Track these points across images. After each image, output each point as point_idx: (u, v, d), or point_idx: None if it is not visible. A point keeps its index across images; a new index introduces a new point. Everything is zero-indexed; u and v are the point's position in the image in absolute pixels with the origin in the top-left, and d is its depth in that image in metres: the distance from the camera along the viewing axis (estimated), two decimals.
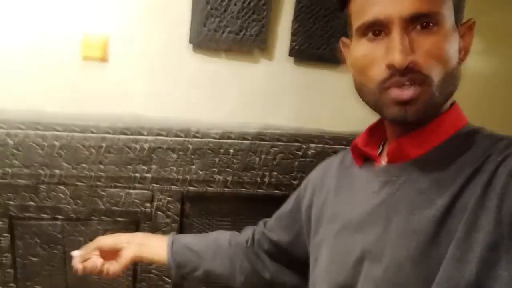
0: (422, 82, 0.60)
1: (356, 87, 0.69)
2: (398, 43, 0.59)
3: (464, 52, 0.66)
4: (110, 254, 0.99)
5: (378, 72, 0.62)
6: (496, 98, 1.58)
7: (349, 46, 0.71)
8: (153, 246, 1.00)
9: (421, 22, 0.60)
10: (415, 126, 0.65)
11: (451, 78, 0.63)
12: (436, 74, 0.60)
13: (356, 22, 0.65)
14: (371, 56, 0.63)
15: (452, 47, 0.62)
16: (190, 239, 1.02)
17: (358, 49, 0.66)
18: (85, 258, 0.98)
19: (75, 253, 0.98)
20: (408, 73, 0.59)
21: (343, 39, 0.75)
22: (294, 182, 1.34)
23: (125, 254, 0.98)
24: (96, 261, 0.98)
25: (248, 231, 1.01)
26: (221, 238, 1.02)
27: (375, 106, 0.66)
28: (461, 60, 0.66)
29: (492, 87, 1.57)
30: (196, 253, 0.98)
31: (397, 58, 0.58)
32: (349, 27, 0.69)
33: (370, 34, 0.63)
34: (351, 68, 0.71)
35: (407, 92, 0.60)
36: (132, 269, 1.37)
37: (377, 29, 0.62)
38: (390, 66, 0.60)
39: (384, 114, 0.65)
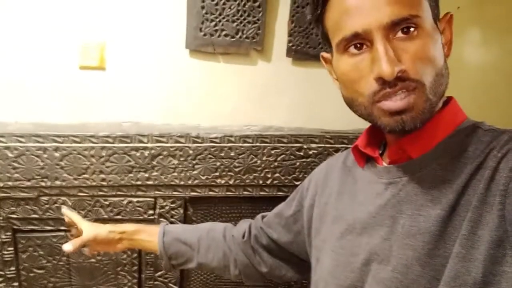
0: (414, 88, 0.58)
1: (345, 100, 0.67)
2: (383, 54, 0.56)
3: (447, 47, 0.65)
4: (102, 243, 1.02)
5: (367, 86, 0.60)
6: (497, 91, 1.57)
7: (331, 60, 0.69)
8: (145, 241, 1.02)
9: (401, 27, 0.57)
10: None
11: (441, 78, 0.61)
12: (426, 78, 0.58)
13: (335, 38, 0.62)
14: (357, 70, 0.61)
15: (437, 46, 0.60)
16: (182, 231, 1.02)
17: (342, 65, 0.63)
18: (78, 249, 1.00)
19: (67, 248, 0.97)
20: (398, 83, 0.57)
21: (323, 54, 0.72)
22: (296, 182, 1.34)
23: (117, 248, 1.03)
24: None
25: (244, 225, 1.01)
26: (215, 230, 1.02)
27: (368, 118, 0.64)
28: (446, 55, 0.64)
29: (493, 80, 1.57)
30: (189, 246, 0.99)
31: (385, 70, 0.56)
32: (327, 41, 0.67)
33: (352, 48, 0.60)
34: (337, 82, 0.69)
35: (399, 103, 0.58)
36: (138, 277, 1.36)
37: (358, 42, 0.60)
38: (379, 79, 0.58)
39: (379, 125, 0.62)
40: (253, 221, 1.01)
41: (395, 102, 0.58)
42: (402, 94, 0.58)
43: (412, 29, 0.58)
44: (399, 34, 0.58)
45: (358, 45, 0.60)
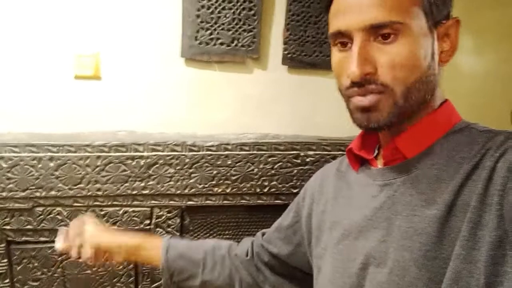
0: (381, 91, 0.61)
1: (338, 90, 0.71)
2: (355, 55, 0.60)
3: (447, 53, 0.65)
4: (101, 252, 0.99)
5: (344, 80, 0.64)
6: (491, 96, 1.58)
7: None
8: (146, 254, 0.98)
9: (383, 32, 0.60)
10: (406, 126, 0.65)
11: (421, 84, 0.62)
12: (398, 84, 0.60)
13: (329, 31, 0.67)
14: (340, 65, 0.65)
15: (420, 53, 0.61)
16: (186, 247, 0.99)
17: (332, 57, 0.67)
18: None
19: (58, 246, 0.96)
20: (365, 84, 0.61)
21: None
22: (294, 190, 1.33)
23: (116, 259, 0.98)
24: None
25: (247, 243, 0.99)
26: (220, 248, 1.00)
27: (348, 110, 0.67)
28: (443, 61, 0.65)
29: (487, 85, 1.58)
30: (193, 262, 0.96)
31: (353, 70, 0.60)
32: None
33: (339, 45, 0.64)
34: None
35: (365, 101, 0.62)
36: None
37: (343, 40, 0.63)
38: (349, 78, 0.62)
39: (352, 119, 0.66)
40: (254, 238, 1.00)
41: (361, 100, 0.62)
42: (368, 94, 0.61)
43: (392, 35, 0.60)
44: (379, 38, 0.60)
45: (343, 43, 0.64)
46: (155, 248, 0.98)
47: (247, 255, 0.96)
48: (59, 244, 0.97)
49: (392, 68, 0.60)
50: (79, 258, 0.97)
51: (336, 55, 0.65)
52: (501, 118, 1.59)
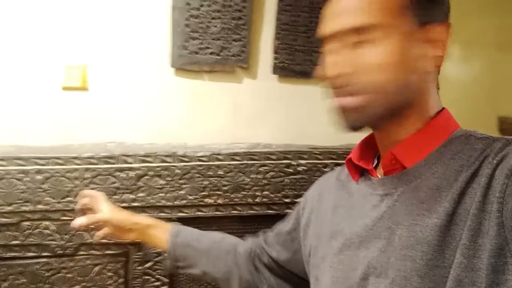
0: (355, 93, 0.62)
1: None
2: (328, 58, 0.64)
3: (437, 58, 0.64)
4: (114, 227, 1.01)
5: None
6: (478, 103, 1.59)
7: None
8: (155, 236, 1.01)
9: (357, 35, 0.61)
10: (403, 135, 0.65)
11: (400, 88, 0.62)
12: (373, 86, 0.61)
13: None
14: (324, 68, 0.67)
15: (400, 56, 0.61)
16: (194, 235, 1.02)
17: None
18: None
19: (79, 222, 0.97)
20: (339, 85, 0.63)
21: None
22: (286, 200, 1.32)
23: (127, 237, 1.01)
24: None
25: (249, 242, 1.01)
26: (227, 242, 1.02)
27: None
28: (437, 65, 0.64)
29: (474, 93, 1.59)
30: (198, 251, 0.98)
31: (326, 72, 0.63)
32: None
33: (324, 48, 0.67)
34: None
35: (339, 101, 0.64)
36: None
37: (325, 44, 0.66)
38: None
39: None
40: (256, 239, 1.00)
41: (338, 100, 0.65)
42: (342, 96, 0.64)
43: (364, 38, 0.61)
44: (356, 40, 0.62)
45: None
46: (165, 232, 1.01)
47: (247, 255, 0.98)
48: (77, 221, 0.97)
49: (367, 70, 0.61)
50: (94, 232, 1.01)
51: (324, 57, 0.68)
52: (488, 125, 1.60)
